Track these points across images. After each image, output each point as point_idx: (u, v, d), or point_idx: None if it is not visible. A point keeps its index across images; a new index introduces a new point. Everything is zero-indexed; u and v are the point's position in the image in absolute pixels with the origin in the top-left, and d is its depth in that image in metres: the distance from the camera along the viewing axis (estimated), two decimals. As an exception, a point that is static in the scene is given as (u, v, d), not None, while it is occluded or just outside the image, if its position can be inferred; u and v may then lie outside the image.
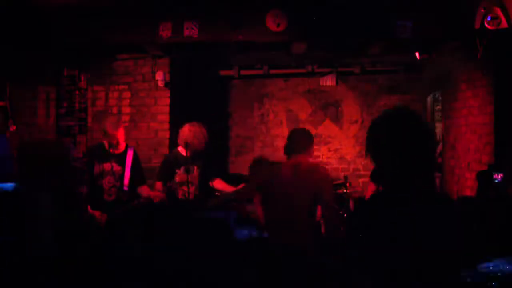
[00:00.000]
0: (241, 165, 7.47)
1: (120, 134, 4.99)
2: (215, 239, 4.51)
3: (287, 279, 3.70)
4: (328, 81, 7.64)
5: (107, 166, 4.98)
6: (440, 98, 7.19)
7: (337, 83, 7.67)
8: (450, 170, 6.55)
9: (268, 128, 7.88)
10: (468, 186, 5.89)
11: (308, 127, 7.97)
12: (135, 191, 5.05)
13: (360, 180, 7.55)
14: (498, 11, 4.76)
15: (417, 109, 7.70)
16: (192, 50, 6.19)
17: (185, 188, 4.87)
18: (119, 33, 5.45)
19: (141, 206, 4.90)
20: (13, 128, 5.82)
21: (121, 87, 6.38)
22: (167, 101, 6.31)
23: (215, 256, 4.42)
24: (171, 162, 5.08)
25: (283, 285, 3.72)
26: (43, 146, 4.17)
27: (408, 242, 1.86)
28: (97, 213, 4.83)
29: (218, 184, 5.22)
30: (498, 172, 4.47)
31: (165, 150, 6.17)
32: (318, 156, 7.80)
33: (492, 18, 4.77)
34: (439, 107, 7.29)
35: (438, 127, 7.23)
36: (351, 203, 5.88)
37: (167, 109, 6.31)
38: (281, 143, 8.01)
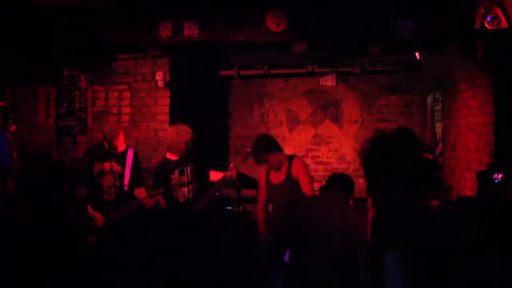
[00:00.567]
0: (241, 165, 7.46)
1: (120, 139, 5.01)
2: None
3: None
4: (328, 81, 7.64)
5: (107, 165, 4.98)
6: (440, 98, 7.18)
7: (337, 83, 7.67)
8: (450, 170, 6.54)
9: (268, 128, 7.87)
10: (468, 186, 5.89)
11: (308, 127, 8.03)
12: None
13: (360, 180, 7.51)
14: (498, 11, 4.76)
15: (417, 109, 7.72)
16: (192, 50, 6.18)
17: (184, 189, 4.88)
18: (119, 33, 5.45)
19: (139, 208, 4.89)
20: (13, 128, 5.82)
21: (121, 87, 6.37)
22: (167, 101, 6.31)
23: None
24: (163, 171, 4.97)
25: None
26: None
27: None
28: (97, 213, 4.83)
29: (213, 176, 5.13)
30: (498, 172, 4.47)
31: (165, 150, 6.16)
32: (318, 156, 7.81)
33: (492, 18, 4.77)
34: (439, 107, 7.29)
35: (438, 127, 7.23)
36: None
37: (167, 109, 6.31)
38: (281, 143, 8.01)
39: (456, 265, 2.21)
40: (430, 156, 6.94)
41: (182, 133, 4.92)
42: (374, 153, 2.10)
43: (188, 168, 4.98)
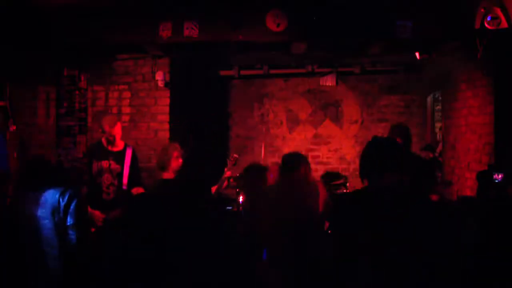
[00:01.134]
0: (241, 165, 7.47)
1: (117, 130, 4.99)
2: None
3: None
4: (328, 81, 7.65)
5: (105, 163, 4.97)
6: (440, 98, 7.19)
7: (337, 83, 7.67)
8: (450, 170, 6.55)
9: (268, 128, 7.88)
10: (468, 186, 5.89)
11: (308, 127, 8.04)
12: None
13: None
14: (498, 11, 4.76)
15: (417, 109, 7.72)
16: (192, 50, 6.18)
17: None
18: (119, 33, 5.45)
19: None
20: (13, 128, 5.82)
21: (121, 87, 6.37)
22: (167, 101, 6.30)
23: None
24: None
25: None
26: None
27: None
28: (96, 212, 4.83)
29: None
30: (498, 172, 4.46)
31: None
32: (318, 156, 7.81)
33: (492, 18, 4.77)
34: (439, 107, 7.29)
35: (438, 127, 7.23)
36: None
37: (167, 109, 6.30)
38: (281, 143, 8.06)
39: (456, 265, 2.21)
40: (430, 154, 6.95)
41: (169, 150, 4.69)
42: (372, 146, 2.24)
43: None
